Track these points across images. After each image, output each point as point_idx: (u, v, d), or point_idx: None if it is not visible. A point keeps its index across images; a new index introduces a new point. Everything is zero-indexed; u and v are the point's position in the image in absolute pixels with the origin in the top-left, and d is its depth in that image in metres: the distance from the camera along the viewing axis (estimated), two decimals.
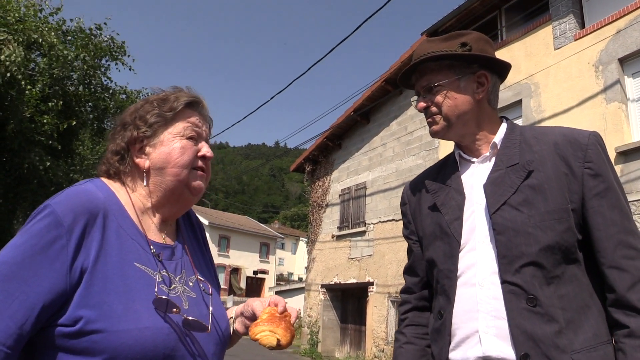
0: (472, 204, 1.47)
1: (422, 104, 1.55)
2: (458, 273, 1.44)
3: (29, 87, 7.62)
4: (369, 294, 13.51)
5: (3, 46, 6.75)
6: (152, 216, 1.25)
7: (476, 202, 1.46)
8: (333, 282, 15.10)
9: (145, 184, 1.23)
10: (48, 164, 8.09)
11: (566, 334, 1.28)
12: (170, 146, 1.23)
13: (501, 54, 9.01)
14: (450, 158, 1.62)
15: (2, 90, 7.11)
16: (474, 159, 1.54)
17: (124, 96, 10.29)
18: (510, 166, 1.43)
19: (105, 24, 9.56)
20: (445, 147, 11.53)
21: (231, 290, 41.26)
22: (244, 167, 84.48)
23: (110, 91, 9.85)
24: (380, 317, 12.99)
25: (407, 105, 13.42)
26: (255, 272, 37.99)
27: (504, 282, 1.34)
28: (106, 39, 9.41)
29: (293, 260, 56.53)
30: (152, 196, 1.24)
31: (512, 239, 1.35)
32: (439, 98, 1.50)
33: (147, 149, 1.24)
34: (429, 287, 1.62)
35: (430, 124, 1.56)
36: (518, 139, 1.48)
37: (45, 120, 7.92)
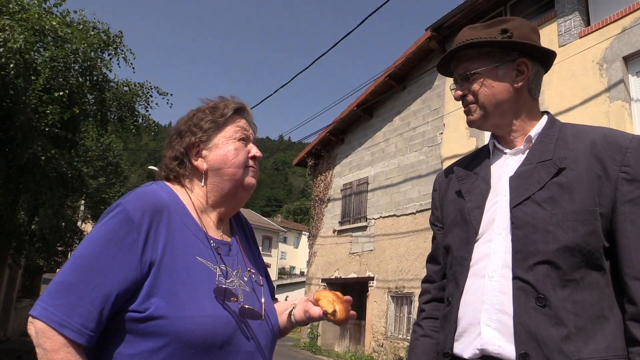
0: (496, 195, 1.43)
1: (458, 93, 1.51)
2: (471, 262, 1.41)
3: (33, 77, 7.65)
4: (369, 289, 13.54)
5: (6, 33, 6.77)
6: (210, 215, 1.36)
7: (501, 194, 1.42)
8: (334, 277, 15.13)
9: (203, 184, 1.35)
10: (52, 152, 8.14)
11: (575, 341, 1.22)
12: (226, 148, 1.35)
13: None
14: (485, 148, 1.59)
15: (8, 80, 7.15)
16: (507, 150, 1.50)
17: (126, 88, 10.29)
18: (541, 162, 1.38)
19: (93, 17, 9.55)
20: (448, 144, 11.51)
21: None
22: None
23: (111, 83, 9.86)
24: (380, 312, 13.01)
25: (410, 101, 13.39)
26: None
27: (515, 277, 1.29)
28: (103, 30, 9.40)
29: (295, 254, 56.62)
30: (209, 196, 1.36)
31: (529, 235, 1.30)
32: (475, 86, 1.46)
33: (204, 153, 1.36)
34: None
35: (466, 114, 1.52)
36: (556, 135, 1.42)
37: (48, 111, 7.96)
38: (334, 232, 15.48)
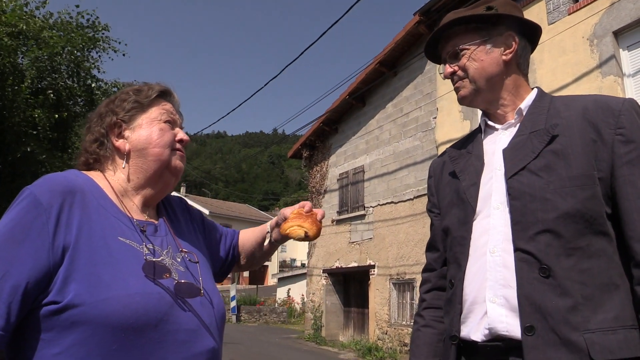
0: (491, 170, 1.41)
1: (448, 70, 1.50)
2: (471, 240, 1.38)
3: (17, 81, 7.59)
4: (371, 277, 13.55)
5: None
6: (133, 198, 1.28)
7: (495, 168, 1.40)
8: (334, 267, 15.14)
9: (124, 166, 1.28)
10: (44, 156, 8.09)
11: (582, 311, 1.18)
12: (150, 129, 1.29)
13: None
14: (477, 129, 1.58)
15: None
16: (498, 126, 1.49)
17: (115, 89, 10.23)
18: (533, 131, 1.36)
19: (77, 6, 9.42)
20: (442, 128, 11.48)
21: (234, 279, 41.43)
22: (242, 156, 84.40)
23: (100, 83, 9.79)
24: (383, 300, 13.03)
25: (401, 87, 13.34)
26: None
27: (516, 249, 1.26)
28: (88, 24, 9.29)
29: (295, 246, 56.61)
30: (132, 178, 1.28)
31: (527, 205, 1.27)
32: (464, 61, 1.46)
33: (126, 133, 1.29)
34: None
35: (457, 90, 1.51)
36: (547, 106, 1.41)
37: (36, 115, 7.90)
38: (332, 222, 15.47)
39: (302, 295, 21.25)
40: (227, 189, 75.52)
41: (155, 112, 1.32)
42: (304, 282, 18.58)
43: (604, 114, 1.30)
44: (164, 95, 1.37)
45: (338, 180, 15.52)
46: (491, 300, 1.28)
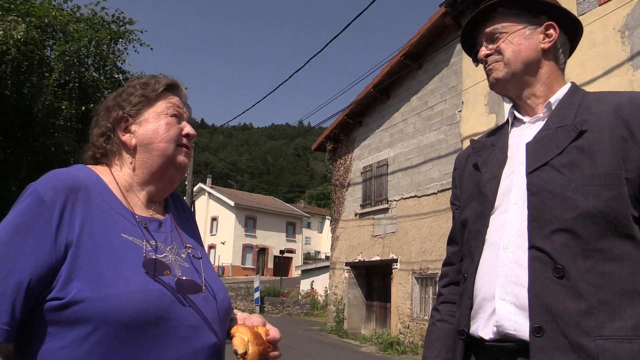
0: (513, 164, 1.37)
1: (483, 51, 1.46)
2: (487, 235, 1.35)
3: (46, 74, 7.77)
4: (393, 271, 13.50)
5: (6, 24, 6.86)
6: (138, 194, 1.28)
7: (518, 162, 1.36)
8: (357, 260, 15.13)
9: (131, 161, 1.27)
10: (71, 146, 8.28)
11: (596, 316, 1.13)
12: (156, 123, 1.28)
13: None
14: (505, 122, 1.53)
15: (24, 78, 7.28)
16: (526, 119, 1.44)
17: None
18: (560, 126, 1.31)
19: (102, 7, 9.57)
20: (467, 122, 11.32)
21: (259, 270, 41.82)
22: (268, 148, 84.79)
23: (127, 74, 9.94)
24: (405, 294, 12.98)
25: (426, 80, 13.19)
26: (282, 252, 38.39)
27: (531, 247, 1.22)
28: (113, 19, 9.42)
29: (320, 238, 56.89)
30: (137, 173, 1.27)
31: (545, 202, 1.23)
32: (501, 44, 1.42)
33: (133, 127, 1.29)
34: None
35: (489, 73, 1.47)
36: (578, 101, 1.35)
37: (63, 106, 8.08)
38: (355, 215, 15.45)
39: (325, 287, 21.30)
40: (253, 181, 76.11)
41: (162, 106, 1.31)
42: (327, 275, 18.63)
43: (639, 112, 1.24)
44: (171, 88, 1.36)
45: (362, 173, 15.47)
46: (501, 297, 1.25)
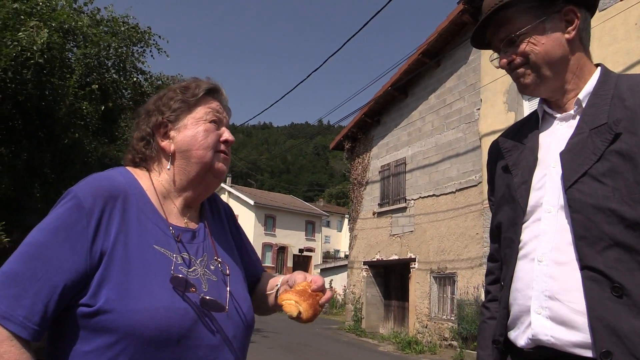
0: (544, 168, 1.30)
1: (504, 60, 1.35)
2: (520, 244, 1.30)
3: (67, 75, 7.93)
4: (411, 270, 13.44)
5: (30, 30, 7.01)
6: (175, 200, 1.28)
7: (550, 166, 1.28)
8: (375, 259, 15.10)
9: (169, 167, 1.27)
10: (93, 145, 8.44)
11: None
12: (195, 130, 1.27)
13: None
14: (534, 114, 1.44)
15: (45, 80, 7.44)
16: (557, 115, 1.35)
17: (160, 82, 10.50)
18: (594, 128, 1.22)
19: (127, 16, 9.73)
20: (486, 120, 11.20)
21: (278, 268, 42.01)
22: (288, 147, 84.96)
23: (147, 75, 10.09)
24: (423, 294, 12.91)
25: (444, 78, 13.09)
26: (301, 250, 38.47)
27: (583, 267, 1.15)
28: (132, 26, 9.57)
29: (339, 237, 56.78)
30: (175, 179, 1.28)
31: (590, 217, 1.15)
32: (523, 47, 1.31)
33: (172, 133, 1.28)
34: None
35: (516, 79, 1.36)
36: (610, 92, 1.25)
37: (84, 107, 8.24)
38: (373, 214, 15.41)
39: (344, 286, 21.30)
40: (273, 180, 76.34)
41: (201, 112, 1.30)
42: (345, 274, 18.63)
43: None
44: (212, 92, 1.34)
45: (379, 172, 15.43)
46: (536, 311, 1.22)
